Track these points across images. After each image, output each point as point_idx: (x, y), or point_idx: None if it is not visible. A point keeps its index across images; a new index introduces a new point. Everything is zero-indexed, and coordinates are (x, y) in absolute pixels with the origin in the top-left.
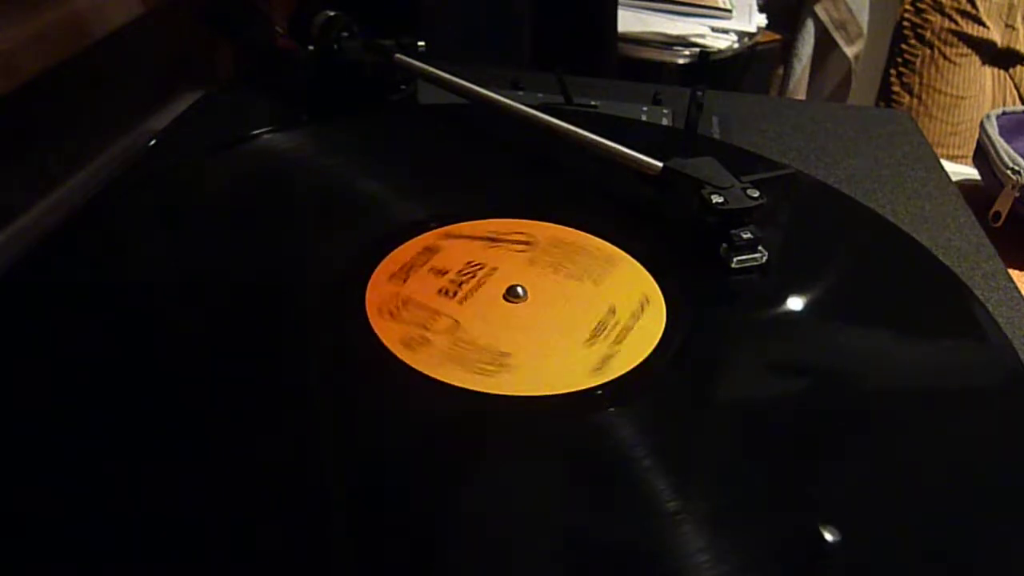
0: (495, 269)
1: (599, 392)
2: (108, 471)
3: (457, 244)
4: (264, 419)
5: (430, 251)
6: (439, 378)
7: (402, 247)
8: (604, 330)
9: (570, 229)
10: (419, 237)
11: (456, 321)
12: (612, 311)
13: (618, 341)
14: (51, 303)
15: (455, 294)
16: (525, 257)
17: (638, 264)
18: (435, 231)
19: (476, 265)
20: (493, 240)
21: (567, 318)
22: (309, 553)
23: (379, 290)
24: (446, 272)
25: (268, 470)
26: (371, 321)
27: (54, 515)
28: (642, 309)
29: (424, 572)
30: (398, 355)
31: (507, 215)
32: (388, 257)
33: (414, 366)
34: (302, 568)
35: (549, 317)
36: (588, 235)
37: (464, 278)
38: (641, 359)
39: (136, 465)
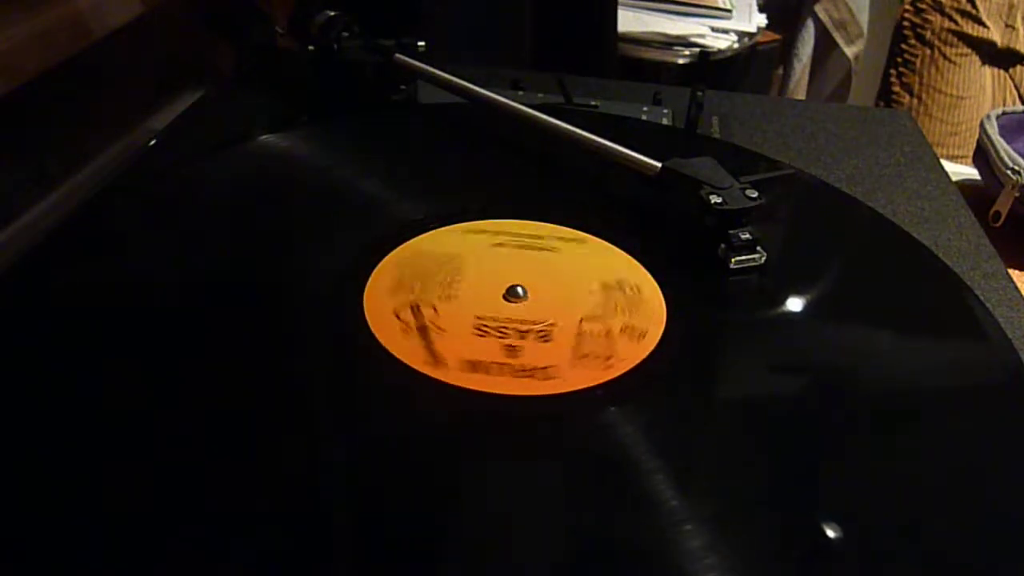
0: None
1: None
2: (108, 471)
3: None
4: (263, 419)
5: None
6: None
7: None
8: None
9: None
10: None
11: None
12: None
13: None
14: (51, 303)
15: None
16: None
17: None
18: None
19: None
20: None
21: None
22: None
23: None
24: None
25: (268, 469)
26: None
27: (54, 515)
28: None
29: (422, 572)
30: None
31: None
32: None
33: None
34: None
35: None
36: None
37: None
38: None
39: (136, 465)
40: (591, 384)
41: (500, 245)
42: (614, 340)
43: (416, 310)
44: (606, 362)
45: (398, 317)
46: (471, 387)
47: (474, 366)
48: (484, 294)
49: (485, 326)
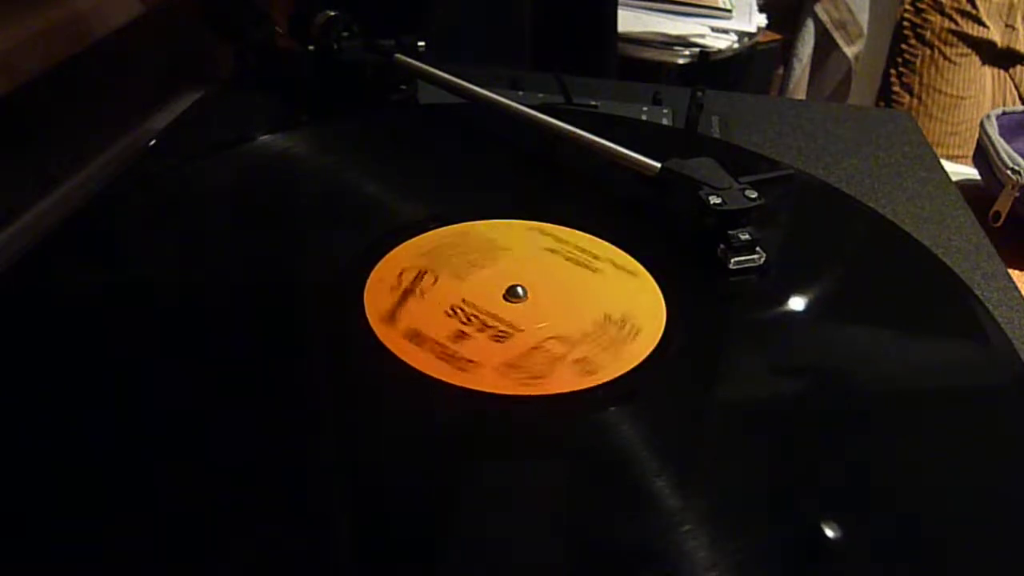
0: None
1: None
2: (108, 471)
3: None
4: (262, 418)
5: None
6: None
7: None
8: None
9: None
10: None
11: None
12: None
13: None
14: (51, 303)
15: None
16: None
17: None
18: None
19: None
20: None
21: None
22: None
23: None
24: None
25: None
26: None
27: (54, 515)
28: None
29: (420, 571)
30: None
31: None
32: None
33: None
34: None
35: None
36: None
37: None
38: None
39: (136, 466)
40: (493, 390)
41: (553, 251)
42: (557, 366)
43: (420, 276)
44: (528, 380)
45: (400, 276)
46: (396, 352)
47: (414, 336)
48: (491, 285)
49: (460, 309)
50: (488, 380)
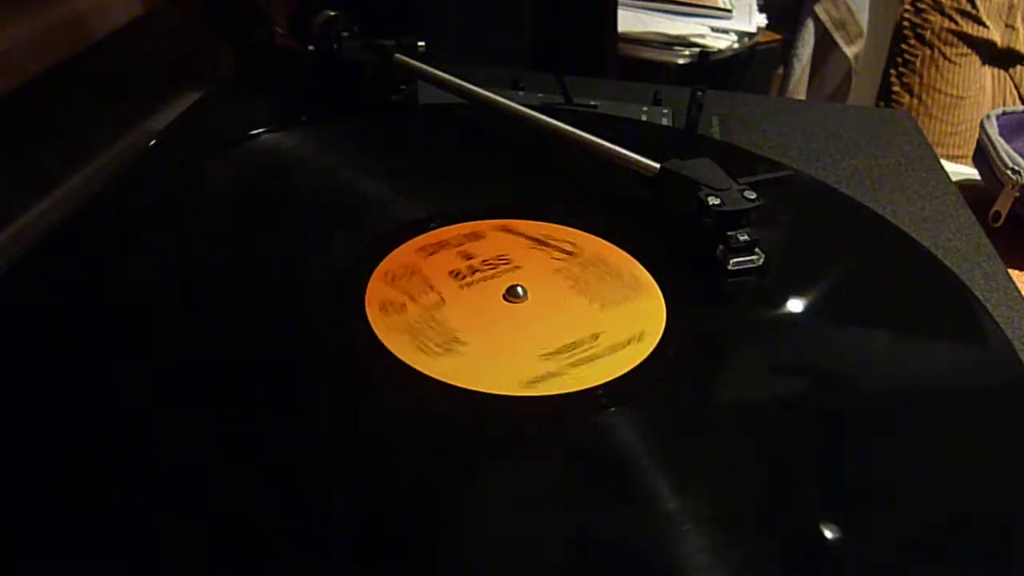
0: (519, 268)
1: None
2: (107, 471)
3: (504, 237)
4: (262, 419)
5: (474, 236)
6: (386, 344)
7: (448, 228)
8: (571, 351)
9: (617, 249)
10: (471, 223)
11: (442, 299)
12: (594, 337)
13: (575, 365)
14: (51, 303)
15: (463, 278)
16: (557, 266)
17: (657, 288)
18: (492, 221)
19: (503, 259)
20: (540, 243)
21: (547, 328)
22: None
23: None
24: (472, 258)
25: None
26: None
27: (54, 516)
28: (627, 344)
29: (418, 570)
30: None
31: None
32: (423, 236)
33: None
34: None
35: (530, 322)
36: (631, 259)
37: (483, 267)
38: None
39: (136, 466)
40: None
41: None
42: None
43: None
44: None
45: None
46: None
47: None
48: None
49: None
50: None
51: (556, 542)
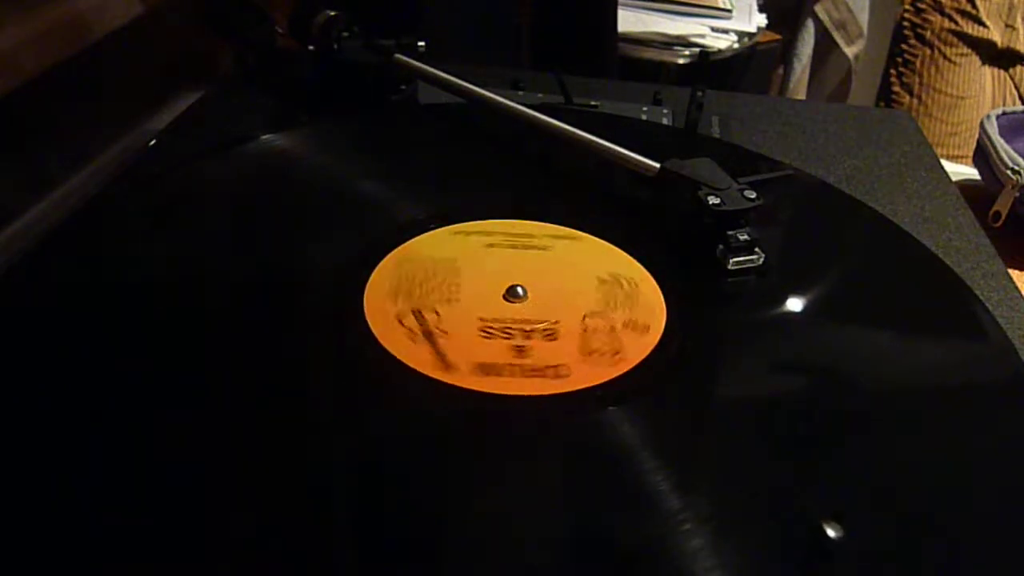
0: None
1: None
2: (107, 471)
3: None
4: (262, 420)
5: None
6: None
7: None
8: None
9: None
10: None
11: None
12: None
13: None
14: (51, 303)
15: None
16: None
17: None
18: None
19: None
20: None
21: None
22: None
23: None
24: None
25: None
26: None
27: (54, 515)
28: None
29: (417, 571)
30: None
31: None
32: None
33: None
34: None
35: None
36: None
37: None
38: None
39: (135, 466)
40: (602, 380)
41: (493, 246)
42: (619, 335)
43: (419, 315)
44: (614, 358)
45: (402, 323)
46: (484, 390)
47: (485, 369)
48: (485, 296)
49: (490, 328)
50: (583, 374)
51: (556, 542)
